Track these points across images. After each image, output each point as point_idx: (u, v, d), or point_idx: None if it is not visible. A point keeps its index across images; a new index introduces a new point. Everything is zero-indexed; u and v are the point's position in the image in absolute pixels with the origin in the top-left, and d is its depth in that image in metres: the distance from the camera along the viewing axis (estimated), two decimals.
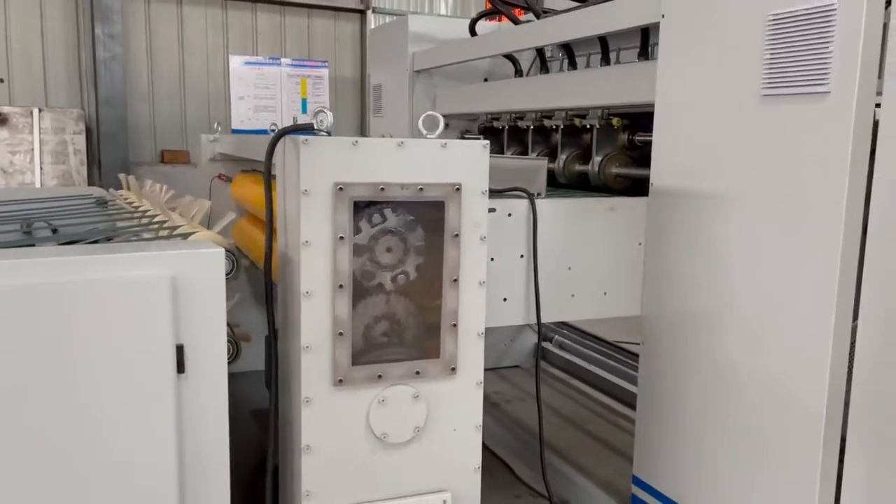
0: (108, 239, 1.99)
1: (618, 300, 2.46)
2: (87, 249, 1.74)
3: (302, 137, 1.75)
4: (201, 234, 2.08)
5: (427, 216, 1.87)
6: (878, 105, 1.80)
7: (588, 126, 3.00)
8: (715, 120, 2.17)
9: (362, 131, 8.44)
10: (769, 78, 1.99)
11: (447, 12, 9.42)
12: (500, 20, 4.03)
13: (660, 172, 2.41)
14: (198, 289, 1.71)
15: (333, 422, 1.86)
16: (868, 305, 1.81)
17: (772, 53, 1.98)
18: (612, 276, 2.45)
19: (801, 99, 1.90)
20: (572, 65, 3.34)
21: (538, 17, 3.23)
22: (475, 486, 2.03)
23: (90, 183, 7.71)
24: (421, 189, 1.85)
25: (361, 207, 1.81)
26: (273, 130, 4.01)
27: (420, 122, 1.94)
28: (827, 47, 1.83)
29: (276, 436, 1.93)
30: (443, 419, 1.96)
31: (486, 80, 4.32)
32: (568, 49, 3.30)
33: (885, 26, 1.76)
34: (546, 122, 3.33)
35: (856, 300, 1.85)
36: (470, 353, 1.96)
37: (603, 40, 3.07)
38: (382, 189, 1.81)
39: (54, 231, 2.18)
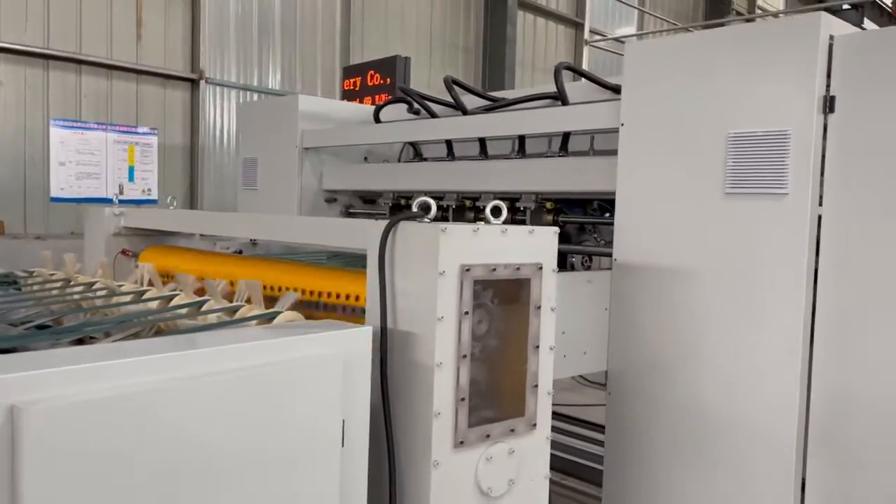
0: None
1: (594, 358, 2.89)
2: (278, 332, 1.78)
3: (441, 226, 1.96)
4: (286, 315, 2.14)
5: (518, 291, 2.16)
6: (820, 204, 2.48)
7: (522, 208, 3.44)
8: (678, 210, 2.73)
9: (192, 199, 8.03)
10: (732, 180, 2.59)
11: (277, 87, 9.43)
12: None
13: (622, 250, 2.91)
14: (354, 365, 1.83)
15: (453, 482, 2.03)
16: (819, 358, 2.45)
17: (734, 161, 2.59)
18: (589, 338, 2.88)
19: (763, 198, 2.52)
20: (483, 152, 3.78)
21: (465, 112, 3.64)
22: None
23: None
24: (518, 269, 2.14)
25: (478, 285, 2.05)
26: (172, 204, 3.91)
27: (488, 211, 2.23)
28: (784, 161, 2.48)
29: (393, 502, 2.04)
30: (525, 471, 2.22)
31: (366, 158, 4.61)
32: (481, 139, 3.74)
33: (824, 148, 2.45)
34: (468, 202, 3.72)
35: (810, 348, 2.48)
36: (544, 410, 2.25)
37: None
38: (494, 269, 2.08)
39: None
